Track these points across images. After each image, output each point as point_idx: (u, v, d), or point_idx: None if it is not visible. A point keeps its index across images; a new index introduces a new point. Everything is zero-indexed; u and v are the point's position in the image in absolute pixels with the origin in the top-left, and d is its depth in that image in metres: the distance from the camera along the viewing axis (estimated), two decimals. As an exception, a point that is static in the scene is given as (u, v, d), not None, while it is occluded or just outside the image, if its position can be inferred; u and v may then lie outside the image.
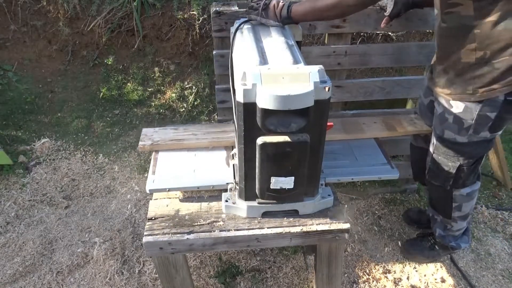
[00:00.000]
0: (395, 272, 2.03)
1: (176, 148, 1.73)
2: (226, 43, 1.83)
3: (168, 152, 1.70)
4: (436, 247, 2.01)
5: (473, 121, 1.48)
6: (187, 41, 3.08)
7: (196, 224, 1.43)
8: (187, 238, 1.38)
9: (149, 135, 1.77)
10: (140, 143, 1.73)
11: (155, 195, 1.59)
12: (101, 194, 2.50)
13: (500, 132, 1.57)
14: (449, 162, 1.64)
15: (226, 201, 1.45)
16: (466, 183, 1.70)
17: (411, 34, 3.21)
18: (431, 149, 1.71)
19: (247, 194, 1.38)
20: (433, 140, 1.69)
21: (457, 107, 1.50)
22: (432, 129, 1.69)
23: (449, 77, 1.49)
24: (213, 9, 1.78)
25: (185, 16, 2.99)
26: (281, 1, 1.46)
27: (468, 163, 1.62)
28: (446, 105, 1.54)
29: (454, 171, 1.64)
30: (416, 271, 2.03)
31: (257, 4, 1.49)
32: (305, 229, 1.41)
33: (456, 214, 1.81)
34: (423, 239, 2.07)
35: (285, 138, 1.18)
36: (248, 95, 1.11)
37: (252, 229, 1.40)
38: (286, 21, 1.44)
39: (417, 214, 2.28)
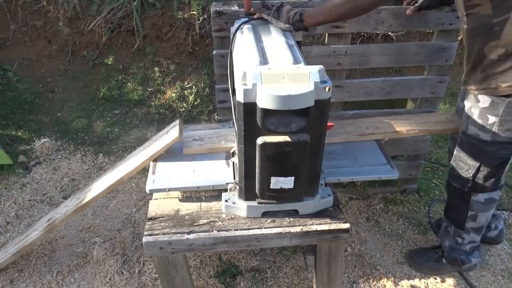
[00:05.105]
0: (395, 272, 2.03)
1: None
2: (226, 43, 1.83)
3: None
4: (444, 260, 1.98)
5: (498, 118, 1.50)
6: (187, 41, 3.08)
7: (196, 224, 1.43)
8: (187, 238, 1.38)
9: None
10: None
11: (155, 195, 1.60)
12: (101, 194, 2.50)
13: None
14: (469, 161, 1.64)
15: (226, 201, 1.45)
16: (486, 188, 1.68)
17: (411, 34, 3.22)
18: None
19: (247, 194, 1.38)
20: (459, 137, 1.70)
21: (484, 101, 1.52)
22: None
23: (475, 74, 1.53)
24: (213, 9, 1.78)
25: (185, 16, 2.99)
26: (295, 9, 1.47)
27: (490, 164, 1.61)
28: (473, 100, 1.57)
29: (473, 172, 1.64)
30: (416, 271, 2.03)
31: (271, 5, 1.50)
32: (305, 229, 1.41)
33: (470, 225, 1.80)
34: (431, 250, 2.05)
35: (285, 138, 1.18)
36: (248, 95, 1.12)
37: (252, 229, 1.40)
38: (297, 24, 1.43)
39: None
